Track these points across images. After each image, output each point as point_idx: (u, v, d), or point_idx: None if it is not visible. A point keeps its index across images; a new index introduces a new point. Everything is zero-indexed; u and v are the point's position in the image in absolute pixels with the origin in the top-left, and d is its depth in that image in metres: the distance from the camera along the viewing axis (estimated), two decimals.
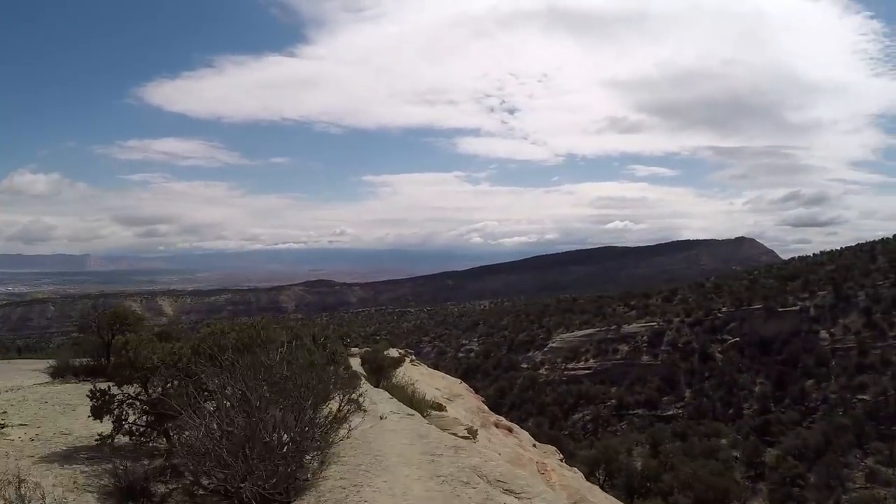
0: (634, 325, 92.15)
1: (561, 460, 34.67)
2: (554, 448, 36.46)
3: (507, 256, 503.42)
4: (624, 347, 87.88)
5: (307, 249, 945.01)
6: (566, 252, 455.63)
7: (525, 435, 35.70)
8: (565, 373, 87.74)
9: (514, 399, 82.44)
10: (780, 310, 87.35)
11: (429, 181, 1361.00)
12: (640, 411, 74.59)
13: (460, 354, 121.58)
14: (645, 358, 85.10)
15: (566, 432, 71.82)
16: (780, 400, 72.07)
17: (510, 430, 36.07)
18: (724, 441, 59.01)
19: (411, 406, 16.37)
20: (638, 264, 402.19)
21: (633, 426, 70.85)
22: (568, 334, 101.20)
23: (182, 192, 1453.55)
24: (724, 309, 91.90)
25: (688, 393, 76.77)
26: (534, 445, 34.29)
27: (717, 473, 38.28)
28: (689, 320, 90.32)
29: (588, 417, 75.61)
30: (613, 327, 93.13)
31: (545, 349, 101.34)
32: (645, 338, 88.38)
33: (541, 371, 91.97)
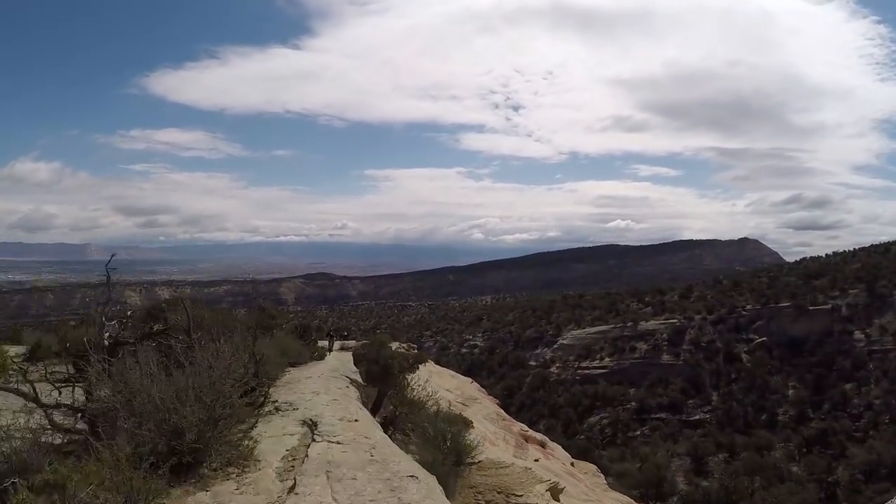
0: (653, 322, 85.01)
1: (604, 483, 28.00)
2: (594, 467, 29.68)
3: (508, 253, 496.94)
4: (642, 346, 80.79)
5: (308, 242, 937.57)
6: (568, 249, 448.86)
7: (560, 451, 28.85)
8: (578, 372, 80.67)
9: (523, 399, 75.54)
10: (811, 308, 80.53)
11: (431, 176, 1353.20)
12: (663, 415, 67.52)
13: (464, 350, 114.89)
14: (665, 357, 78.08)
15: (582, 437, 64.92)
16: (818, 405, 65.11)
17: (543, 444, 29.14)
18: (776, 454, 51.61)
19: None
20: (640, 263, 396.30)
21: (662, 433, 63.47)
22: (579, 331, 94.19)
23: (183, 182, 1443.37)
24: (748, 307, 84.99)
25: (715, 396, 69.73)
26: (571, 464, 27.55)
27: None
28: (712, 318, 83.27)
29: (606, 421, 68.54)
30: (630, 324, 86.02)
31: (555, 346, 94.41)
32: (665, 336, 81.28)
33: (551, 369, 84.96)
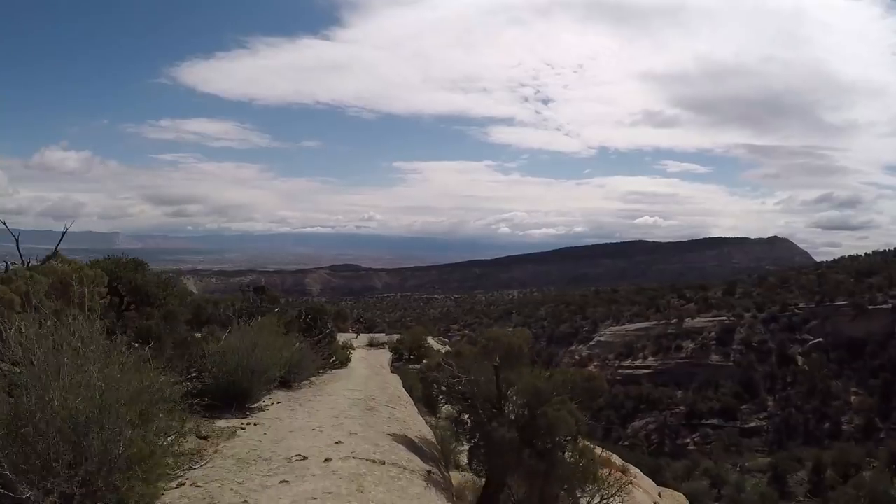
0: (699, 319, 78.95)
1: None
2: (683, 498, 24.18)
3: (535, 248, 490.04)
4: (689, 345, 74.78)
5: (335, 234, 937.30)
6: (596, 245, 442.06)
7: (647, 482, 23.31)
8: (619, 371, 74.90)
9: None
10: (870, 307, 74.06)
11: (459, 169, 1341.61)
12: (715, 421, 61.61)
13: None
14: (714, 357, 72.07)
15: (626, 443, 59.18)
16: (887, 414, 58.88)
17: (623, 471, 23.66)
18: (869, 473, 44.98)
19: None
20: (668, 260, 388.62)
21: (723, 442, 57.36)
22: (618, 327, 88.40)
23: (212, 172, 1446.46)
24: (800, 305, 78.69)
25: (771, 401, 63.68)
26: (659, 494, 22.10)
27: None
28: (763, 316, 77.13)
29: (652, 426, 62.75)
30: (674, 321, 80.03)
31: (591, 343, 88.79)
32: (713, 334, 75.25)
33: (589, 368, 79.21)
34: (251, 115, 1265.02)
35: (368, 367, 16.18)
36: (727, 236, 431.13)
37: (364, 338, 27.84)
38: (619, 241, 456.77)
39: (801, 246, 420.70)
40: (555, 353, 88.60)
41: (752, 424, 60.54)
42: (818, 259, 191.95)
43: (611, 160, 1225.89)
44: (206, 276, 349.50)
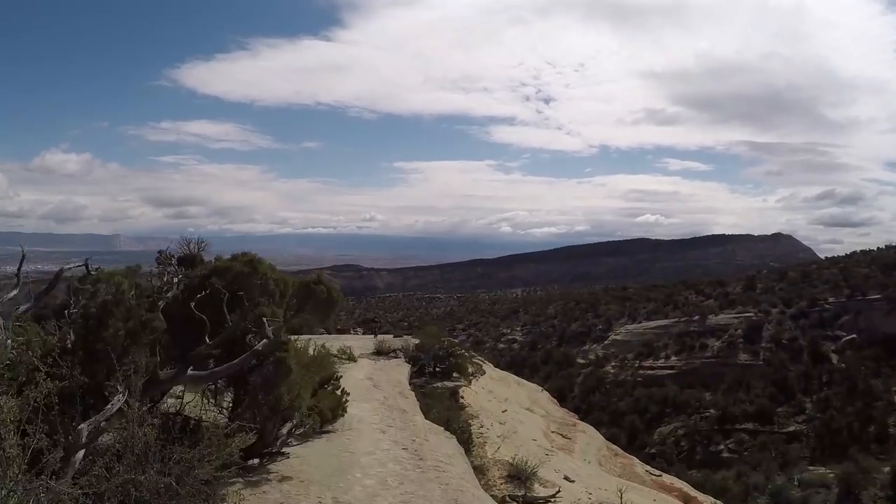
0: (723, 315, 73.62)
1: None
2: None
3: (536, 247, 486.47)
4: (714, 343, 69.43)
5: (336, 234, 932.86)
6: (598, 243, 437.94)
7: None
8: (640, 372, 69.59)
9: (577, 403, 64.47)
10: None
11: (460, 169, 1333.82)
12: (750, 425, 56.26)
13: (500, 345, 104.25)
14: (742, 356, 66.80)
15: (652, 450, 53.98)
16: None
17: (686, 500, 18.64)
18: None
19: None
20: (671, 258, 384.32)
21: (772, 451, 51.75)
22: (634, 325, 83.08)
23: (213, 174, 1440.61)
24: (830, 299, 73.46)
25: (808, 403, 58.38)
26: None
27: None
28: (791, 311, 71.85)
29: (681, 431, 57.36)
30: (696, 318, 74.74)
31: (605, 342, 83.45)
32: (739, 331, 69.96)
33: (607, 368, 74.00)
34: (252, 117, 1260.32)
35: (383, 407, 10.82)
36: (730, 233, 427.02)
37: (370, 341, 22.83)
38: (620, 239, 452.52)
39: (805, 243, 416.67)
40: (569, 354, 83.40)
41: (791, 429, 55.21)
42: (822, 256, 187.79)
43: (612, 159, 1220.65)
44: None
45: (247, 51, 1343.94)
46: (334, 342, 19.82)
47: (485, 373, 23.33)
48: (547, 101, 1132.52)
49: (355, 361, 16.28)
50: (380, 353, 19.75)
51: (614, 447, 20.37)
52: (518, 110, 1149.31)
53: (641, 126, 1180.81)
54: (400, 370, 16.72)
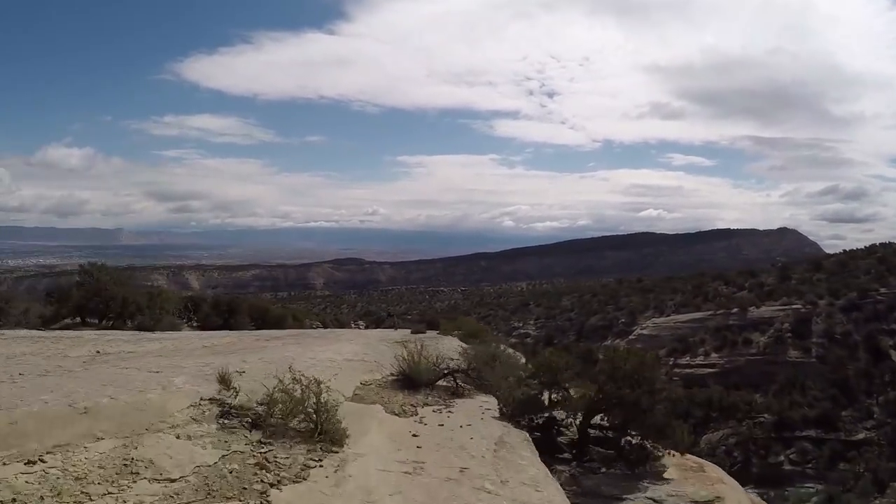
0: (765, 308, 65.80)
1: None
2: None
3: (539, 241, 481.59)
4: (759, 338, 61.60)
5: (338, 228, 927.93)
6: (602, 237, 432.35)
7: None
8: (676, 370, 61.76)
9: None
10: None
11: (463, 163, 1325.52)
12: (812, 432, 48.44)
13: (512, 339, 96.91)
14: (792, 353, 58.97)
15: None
16: None
17: None
18: None
19: None
20: (676, 252, 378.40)
21: (862, 467, 43.84)
22: (663, 318, 75.27)
23: (216, 168, 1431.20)
24: (881, 290, 65.75)
25: (876, 407, 50.64)
26: None
27: None
28: (841, 303, 64.08)
29: (733, 440, 49.52)
30: (735, 310, 66.93)
31: (630, 336, 75.70)
32: (786, 325, 62.15)
33: None
34: (255, 111, 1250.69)
35: None
36: (735, 228, 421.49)
37: (377, 340, 15.06)
38: (624, 233, 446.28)
39: (810, 238, 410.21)
40: (591, 349, 75.56)
41: (861, 436, 47.53)
42: (829, 251, 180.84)
43: (615, 153, 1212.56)
44: (209, 271, 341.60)
45: (250, 44, 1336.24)
46: (316, 348, 12.09)
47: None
48: (551, 95, 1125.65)
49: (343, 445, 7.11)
50: (412, 381, 9.88)
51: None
52: (522, 104, 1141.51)
53: (645, 120, 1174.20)
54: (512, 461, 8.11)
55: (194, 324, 20.97)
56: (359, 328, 47.17)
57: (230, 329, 20.13)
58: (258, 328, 21.90)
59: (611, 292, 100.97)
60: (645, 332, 74.26)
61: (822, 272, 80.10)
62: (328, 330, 25.20)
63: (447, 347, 13.50)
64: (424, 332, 18.19)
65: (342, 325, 53.95)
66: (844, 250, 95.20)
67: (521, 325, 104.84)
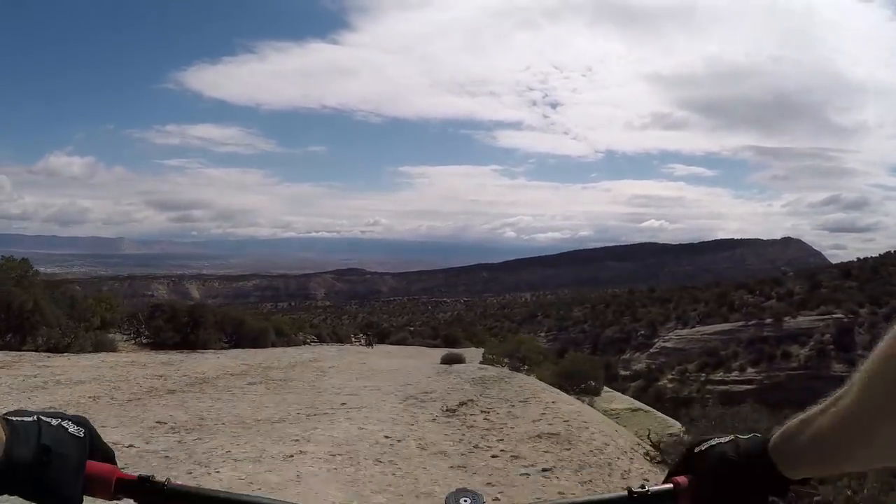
0: (802, 318, 60.30)
1: None
2: None
3: (540, 252, 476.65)
4: (799, 351, 56.12)
5: (339, 238, 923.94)
6: (604, 248, 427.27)
7: None
8: (708, 386, 56.18)
9: None
10: None
11: (466, 174, 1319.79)
12: None
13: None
14: (836, 366, 53.41)
15: None
16: None
17: None
18: None
19: None
20: (679, 262, 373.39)
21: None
22: (687, 330, 69.79)
23: (217, 178, 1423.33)
24: None
25: None
26: None
27: None
28: (884, 311, 58.60)
29: None
30: (769, 321, 61.45)
31: (652, 349, 70.36)
32: (827, 336, 56.67)
33: (663, 382, 60.55)
34: (257, 121, 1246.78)
35: None
36: (738, 238, 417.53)
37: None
38: (627, 243, 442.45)
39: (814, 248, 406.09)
40: (610, 363, 70.07)
41: None
42: (833, 261, 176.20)
43: (618, 164, 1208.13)
44: (210, 280, 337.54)
45: (254, 54, 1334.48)
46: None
47: None
48: (554, 105, 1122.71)
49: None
50: None
51: None
52: (525, 115, 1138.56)
53: (648, 131, 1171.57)
54: None
55: (144, 339, 15.64)
56: (359, 343, 41.74)
57: (191, 348, 14.86)
58: (233, 345, 16.61)
59: (625, 303, 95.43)
60: (668, 344, 68.78)
61: (853, 279, 74.80)
62: (332, 350, 19.71)
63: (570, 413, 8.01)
64: (460, 360, 12.95)
65: (341, 340, 48.57)
66: (872, 256, 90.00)
67: (530, 336, 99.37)
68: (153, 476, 0.93)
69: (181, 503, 0.92)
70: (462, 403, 8.46)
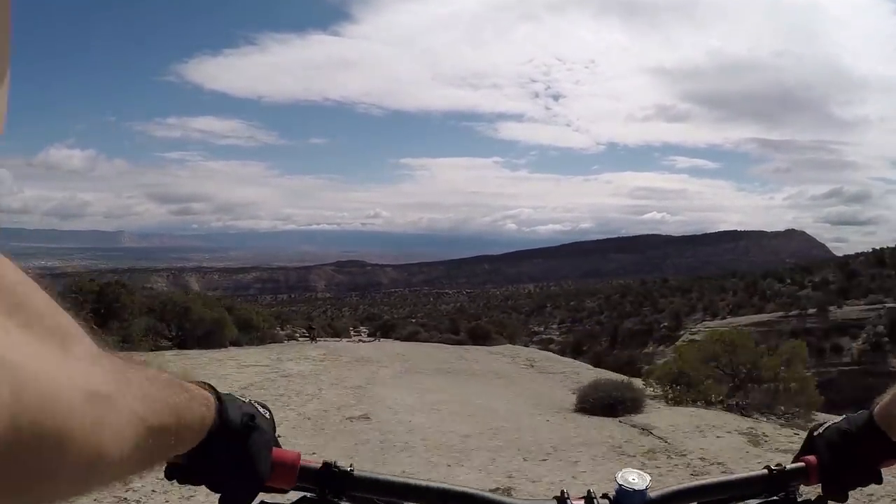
0: (849, 307, 54.50)
1: None
2: None
3: (541, 244, 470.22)
4: (850, 344, 50.41)
5: (340, 231, 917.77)
6: (607, 239, 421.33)
7: None
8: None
9: None
10: None
11: (467, 166, 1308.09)
12: None
13: (532, 345, 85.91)
14: (894, 361, 47.79)
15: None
16: None
17: None
18: None
19: None
20: (682, 254, 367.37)
21: None
22: (717, 322, 63.89)
23: (218, 170, 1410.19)
24: None
25: None
26: None
27: None
28: None
29: None
30: (812, 311, 55.63)
31: (678, 342, 64.58)
32: (881, 328, 50.86)
33: None
34: (258, 113, 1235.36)
35: None
36: (742, 230, 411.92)
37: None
38: (628, 235, 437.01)
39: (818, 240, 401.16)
40: (633, 357, 64.31)
41: None
42: (837, 253, 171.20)
43: (620, 156, 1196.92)
44: (210, 273, 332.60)
45: (255, 46, 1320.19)
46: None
47: None
48: (556, 97, 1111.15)
49: None
50: None
51: None
52: (527, 107, 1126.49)
53: (650, 123, 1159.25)
54: None
55: None
56: (359, 338, 36.11)
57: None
58: (176, 343, 10.79)
59: (643, 293, 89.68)
60: (696, 337, 62.85)
61: (888, 267, 69.03)
62: (313, 352, 13.45)
63: None
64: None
65: (337, 334, 42.90)
66: None
67: (541, 328, 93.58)
68: (336, 462, 0.88)
69: (366, 491, 0.87)
70: None
